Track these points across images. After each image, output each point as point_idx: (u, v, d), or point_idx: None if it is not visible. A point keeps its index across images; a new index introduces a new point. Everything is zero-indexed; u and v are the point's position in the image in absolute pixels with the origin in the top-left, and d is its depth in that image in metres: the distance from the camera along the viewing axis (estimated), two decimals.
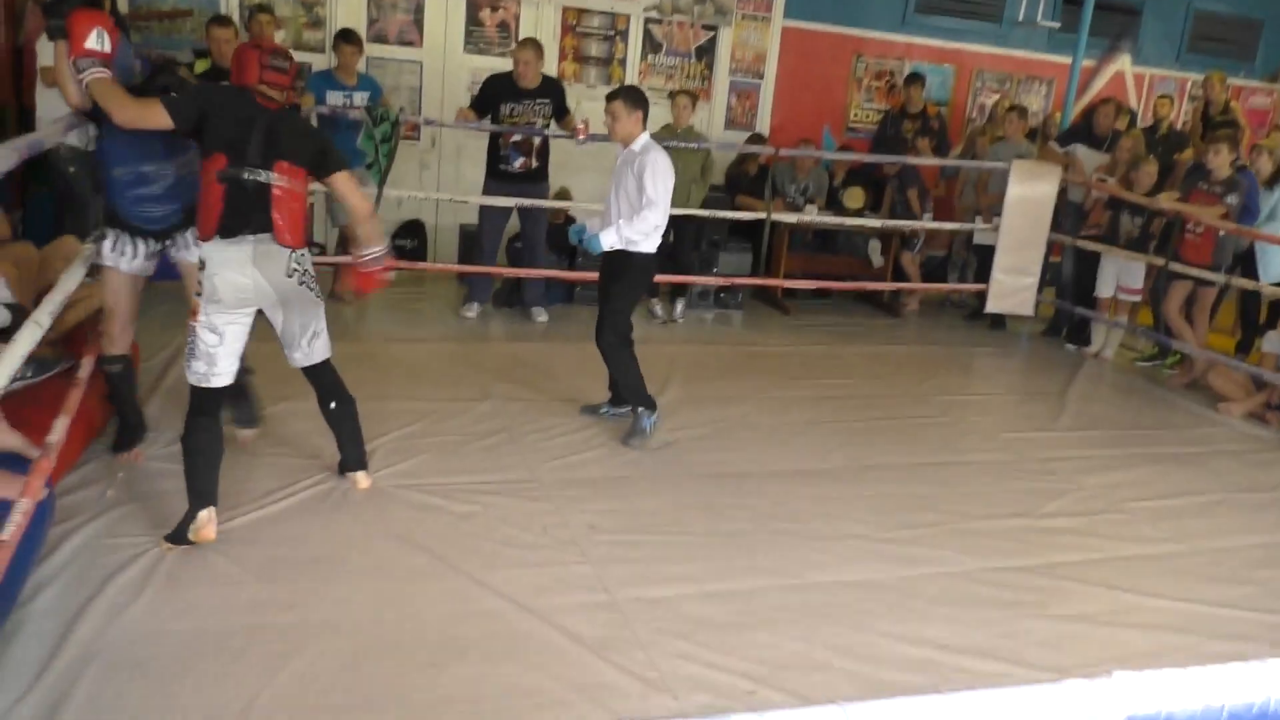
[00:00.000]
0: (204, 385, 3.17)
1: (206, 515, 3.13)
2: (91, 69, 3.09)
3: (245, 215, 3.10)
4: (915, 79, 7.94)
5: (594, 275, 6.38)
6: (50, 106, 4.94)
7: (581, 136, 5.77)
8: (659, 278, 6.27)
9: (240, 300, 3.15)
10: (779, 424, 4.88)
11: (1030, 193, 6.68)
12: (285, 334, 3.37)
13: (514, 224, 6.34)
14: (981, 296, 7.19)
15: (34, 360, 3.57)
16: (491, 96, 5.97)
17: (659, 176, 4.22)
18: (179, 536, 3.11)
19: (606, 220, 4.41)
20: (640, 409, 4.42)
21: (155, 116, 3.07)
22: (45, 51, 4.94)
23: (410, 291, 6.79)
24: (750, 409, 5.05)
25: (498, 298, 6.55)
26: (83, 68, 3.09)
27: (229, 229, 3.08)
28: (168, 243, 3.57)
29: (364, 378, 4.74)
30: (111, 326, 3.62)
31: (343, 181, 3.31)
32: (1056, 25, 8.66)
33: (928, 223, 7.44)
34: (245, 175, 3.07)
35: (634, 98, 4.33)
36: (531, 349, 5.74)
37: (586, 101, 7.19)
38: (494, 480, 3.88)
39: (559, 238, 6.82)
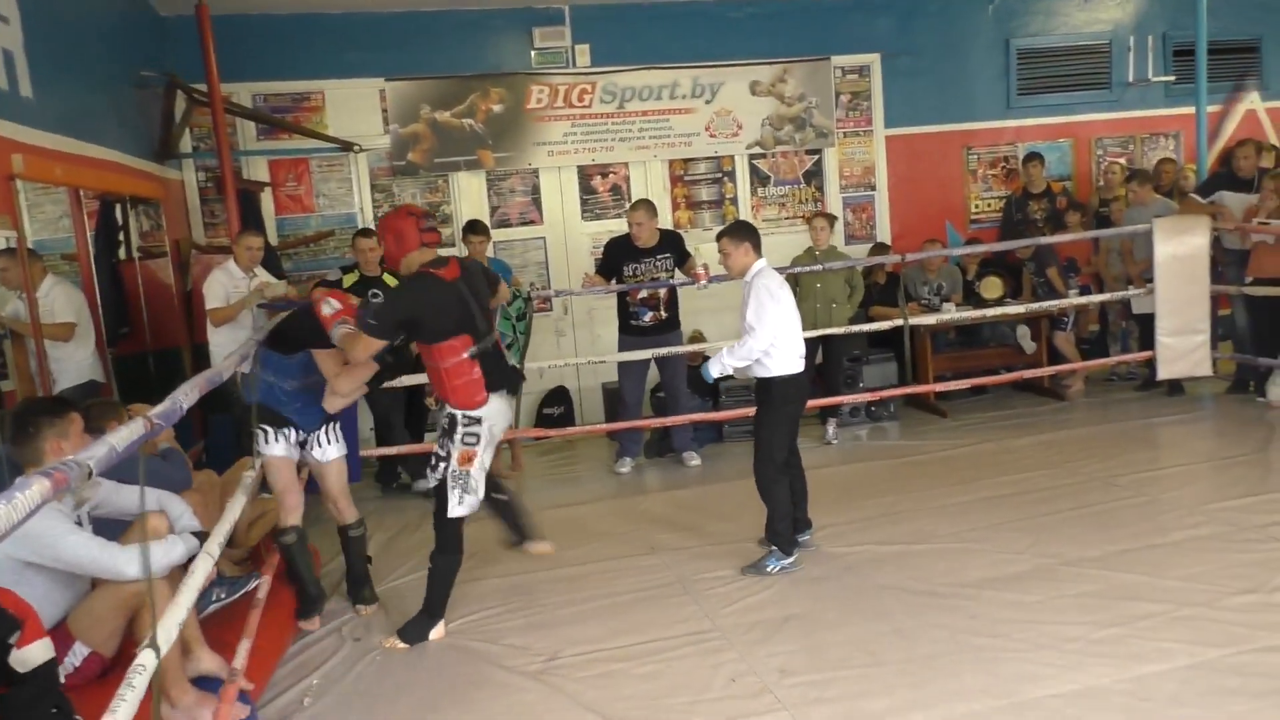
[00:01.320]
0: (467, 515, 3.77)
1: (441, 627, 3.88)
2: (340, 327, 3.63)
3: (499, 373, 3.75)
4: (1034, 158, 7.80)
5: (738, 413, 6.39)
6: (221, 342, 5.38)
7: (702, 281, 5.85)
8: (812, 402, 6.21)
9: (501, 432, 3.86)
10: (958, 532, 4.63)
11: (1181, 249, 6.35)
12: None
13: (654, 374, 6.41)
14: (1151, 365, 6.78)
15: (226, 582, 3.77)
16: (614, 259, 6.16)
17: (761, 302, 4.25)
18: (414, 639, 3.82)
19: None
20: (775, 548, 4.36)
21: (372, 350, 3.58)
22: (212, 295, 5.40)
23: (564, 456, 6.91)
24: (924, 521, 4.83)
25: (649, 449, 6.57)
26: (335, 331, 3.64)
27: (496, 388, 3.73)
28: (307, 439, 4.08)
29: (529, 555, 4.78)
30: (284, 500, 4.08)
31: (503, 291, 4.05)
32: (1171, 79, 8.43)
33: (1075, 298, 7.15)
34: (484, 347, 3.68)
35: (738, 231, 4.44)
36: (689, 495, 5.69)
37: (704, 245, 7.33)
38: (673, 635, 3.78)
39: (699, 381, 6.86)
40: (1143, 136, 8.63)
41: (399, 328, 3.56)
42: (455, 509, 3.72)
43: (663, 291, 6.13)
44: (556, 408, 7.47)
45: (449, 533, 3.79)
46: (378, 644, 3.89)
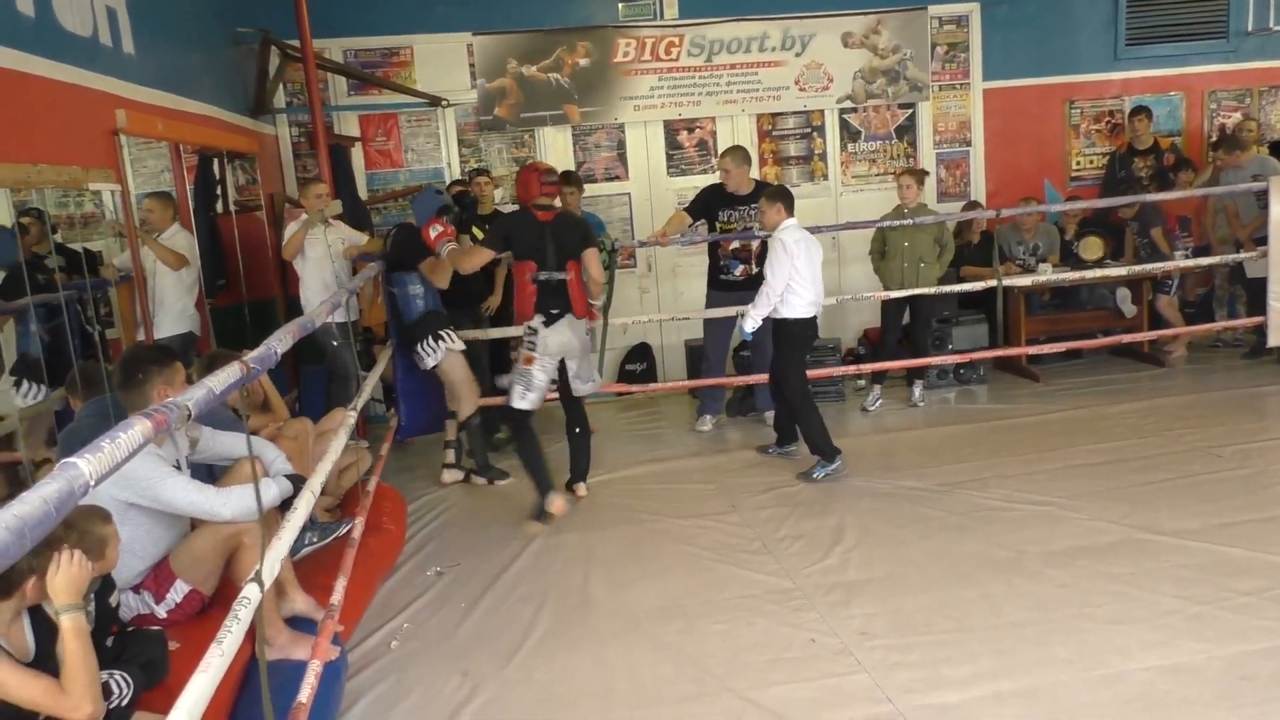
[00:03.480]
0: (528, 408, 4.55)
1: (555, 496, 4.53)
2: (446, 245, 4.75)
3: (552, 301, 4.49)
4: (1140, 112, 7.44)
5: (822, 372, 6.32)
6: (312, 295, 5.51)
7: None
8: (898, 364, 6.36)
9: (559, 350, 4.57)
10: (1048, 499, 4.50)
11: None
12: (578, 373, 4.78)
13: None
14: (1260, 331, 6.48)
15: (318, 526, 3.88)
16: (708, 204, 6.10)
17: (776, 255, 4.99)
18: (541, 516, 4.52)
19: None
20: (820, 459, 5.06)
21: (484, 256, 4.77)
22: (288, 231, 5.55)
23: (645, 412, 6.92)
24: (1013, 487, 4.71)
25: (730, 407, 6.54)
26: (443, 249, 4.75)
27: (544, 310, 4.48)
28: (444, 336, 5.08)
29: (613, 503, 4.82)
30: (460, 394, 5.20)
31: (591, 256, 4.63)
32: None
33: (1180, 261, 6.84)
34: (548, 277, 4.47)
35: (772, 194, 5.21)
36: (770, 454, 5.63)
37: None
38: (754, 593, 3.77)
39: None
40: (1261, 89, 8.15)
41: (500, 241, 4.63)
42: (517, 401, 4.54)
43: (755, 244, 6.04)
44: (639, 364, 7.47)
45: (516, 420, 4.62)
46: (463, 596, 3.98)
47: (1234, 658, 3.02)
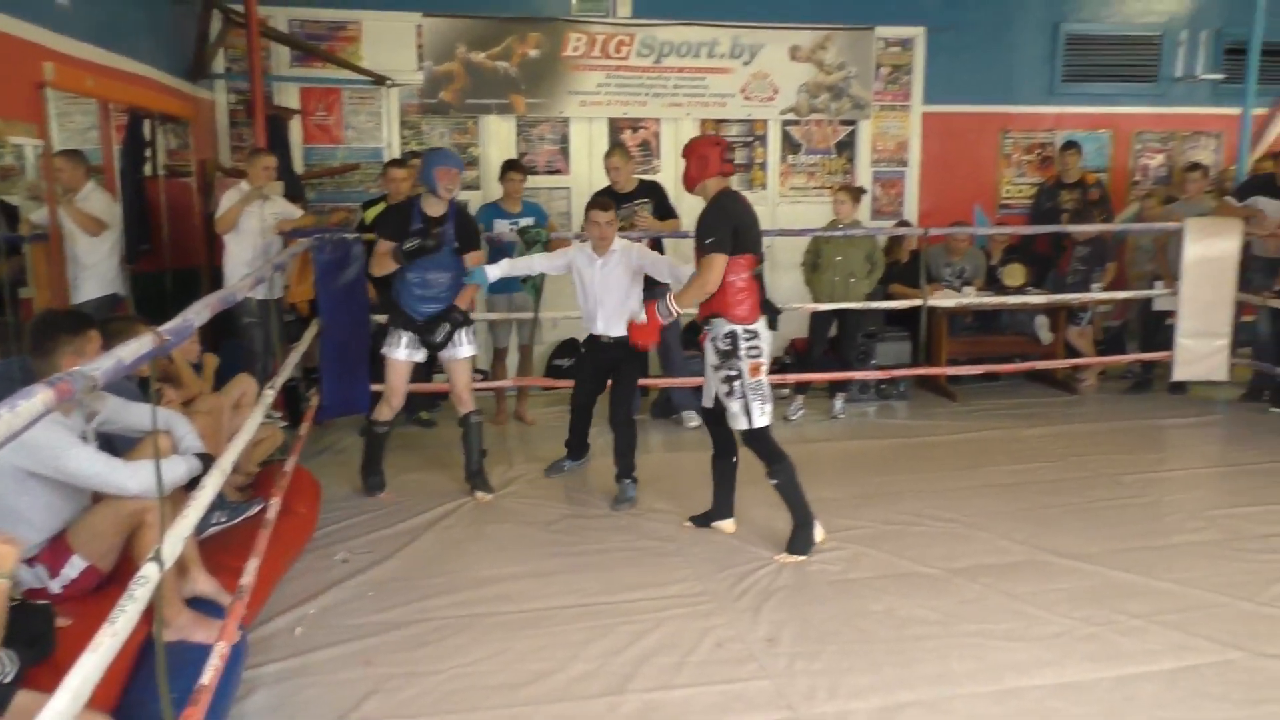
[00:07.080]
0: (768, 424, 4.04)
1: (820, 529, 4.17)
2: (666, 303, 4.07)
3: (764, 302, 4.04)
4: (1071, 146, 7.66)
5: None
6: (235, 266, 5.39)
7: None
8: (822, 375, 6.42)
9: (770, 356, 4.11)
10: (957, 516, 4.62)
11: (1210, 251, 6.27)
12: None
13: None
14: (1147, 367, 6.78)
15: (227, 506, 3.80)
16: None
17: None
18: (804, 549, 4.10)
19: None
20: (634, 479, 4.87)
21: (722, 266, 3.88)
22: (221, 208, 5.42)
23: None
24: (924, 502, 4.82)
25: (655, 408, 6.55)
26: (668, 305, 4.07)
27: (765, 311, 4.02)
28: (436, 339, 4.63)
29: (529, 500, 4.81)
30: (390, 398, 4.78)
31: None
32: (1220, 77, 8.26)
33: (1096, 294, 7.08)
34: (760, 271, 4.03)
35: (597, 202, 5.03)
36: (686, 457, 5.65)
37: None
38: (664, 595, 3.80)
39: (693, 338, 6.76)
40: (1184, 134, 8.47)
41: (730, 236, 3.88)
42: (760, 419, 4.04)
43: (645, 242, 6.00)
44: (566, 359, 7.45)
45: (766, 443, 4.09)
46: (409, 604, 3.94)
47: (1120, 679, 3.14)
